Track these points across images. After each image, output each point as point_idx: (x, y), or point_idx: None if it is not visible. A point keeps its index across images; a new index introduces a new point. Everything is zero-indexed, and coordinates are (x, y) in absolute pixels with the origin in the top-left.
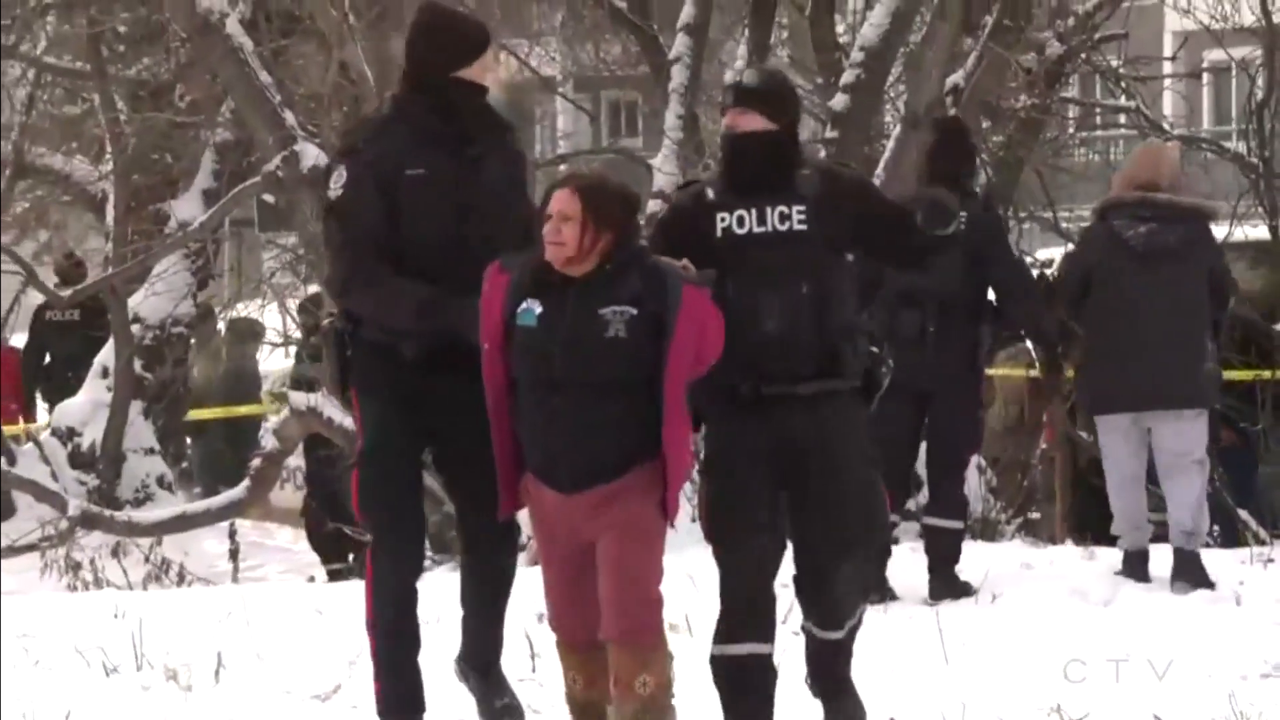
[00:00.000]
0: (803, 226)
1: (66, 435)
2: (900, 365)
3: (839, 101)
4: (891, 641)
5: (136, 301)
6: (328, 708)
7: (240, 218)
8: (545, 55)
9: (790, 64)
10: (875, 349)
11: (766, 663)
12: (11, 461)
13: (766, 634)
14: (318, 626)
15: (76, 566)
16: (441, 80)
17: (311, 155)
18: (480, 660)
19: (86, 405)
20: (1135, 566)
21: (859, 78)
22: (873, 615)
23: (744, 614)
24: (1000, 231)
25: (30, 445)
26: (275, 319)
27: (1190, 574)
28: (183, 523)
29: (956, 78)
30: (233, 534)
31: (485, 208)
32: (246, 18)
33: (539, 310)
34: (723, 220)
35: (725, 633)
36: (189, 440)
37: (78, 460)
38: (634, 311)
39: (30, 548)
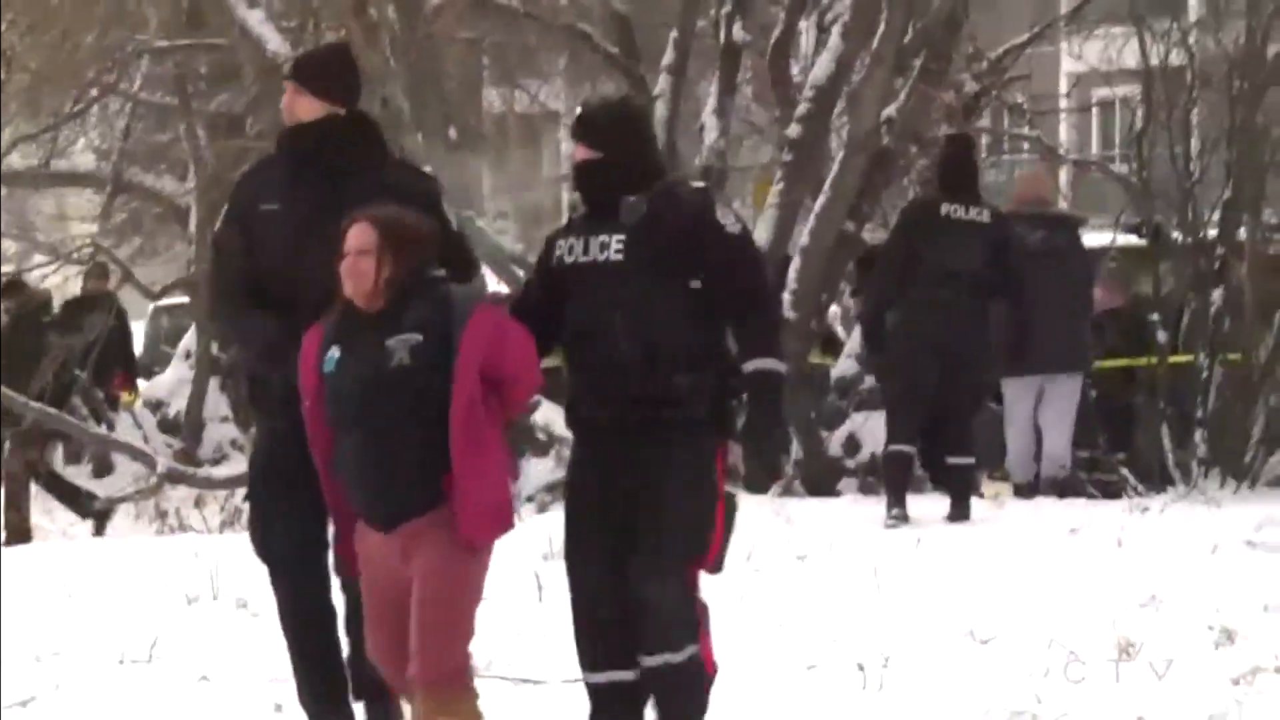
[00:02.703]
0: (619, 256)
1: (156, 406)
2: (933, 326)
3: (794, 130)
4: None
5: None
6: None
7: None
8: (551, 92)
9: (753, 99)
10: (733, 380)
11: (619, 690)
12: (111, 427)
13: (613, 662)
14: None
15: (164, 514)
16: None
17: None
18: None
19: (172, 381)
20: (1025, 493)
21: (809, 110)
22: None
23: (586, 643)
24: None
25: (126, 414)
26: None
27: (1061, 490)
28: None
29: (890, 110)
30: None
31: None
32: None
33: (338, 355)
34: (558, 249)
35: (581, 661)
36: None
37: (165, 427)
38: (419, 338)
39: (126, 499)
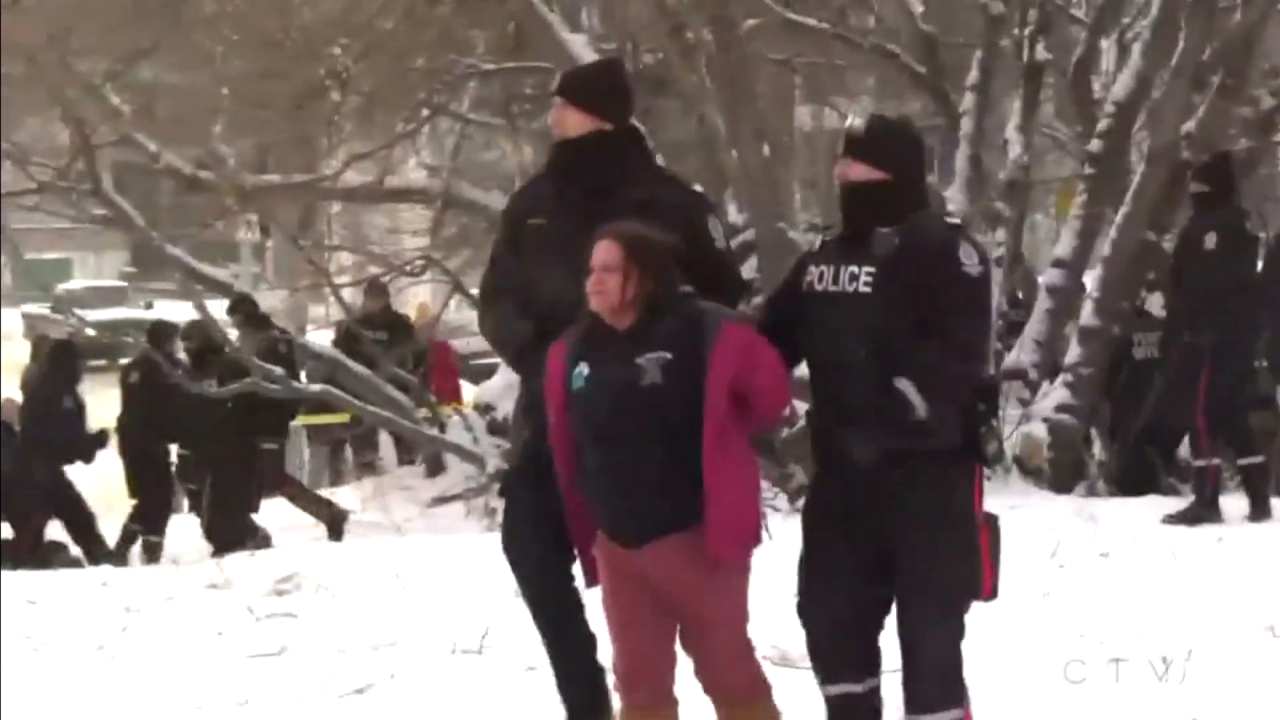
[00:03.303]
0: (868, 289)
1: (485, 409)
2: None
3: (1095, 145)
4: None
5: None
6: None
7: None
8: (861, 109)
9: (1054, 115)
10: (983, 406)
11: (857, 700)
12: (443, 430)
13: (847, 676)
14: None
15: (492, 512)
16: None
17: None
18: None
19: (501, 385)
20: None
21: (1110, 125)
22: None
23: (824, 658)
24: None
25: (457, 418)
26: None
27: None
28: None
29: (1189, 125)
30: None
31: None
32: None
33: (587, 371)
34: (809, 274)
35: (817, 674)
36: None
37: (494, 429)
38: (669, 356)
39: (456, 497)
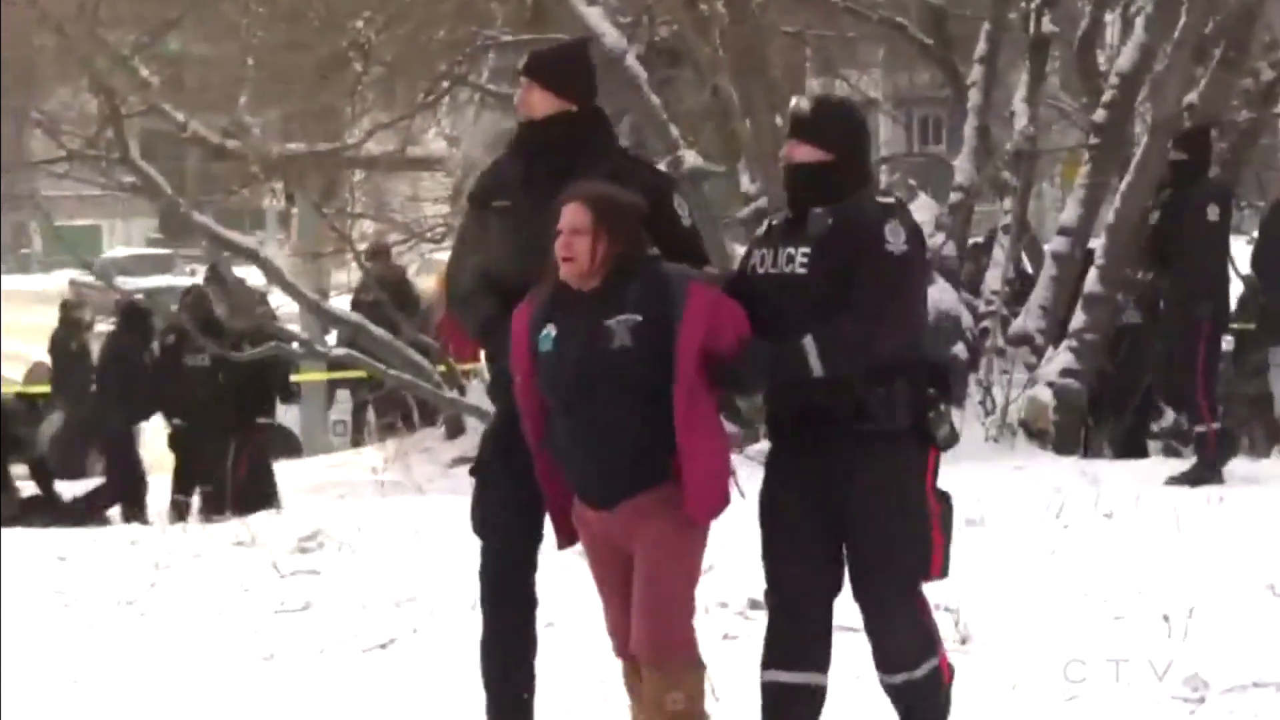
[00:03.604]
0: (803, 270)
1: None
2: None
3: (1100, 115)
4: None
5: None
6: None
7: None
8: (871, 81)
9: (1060, 86)
10: (933, 390)
11: (806, 692)
12: (463, 392)
13: (789, 662)
14: None
15: None
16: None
17: (690, 159)
18: None
19: None
20: None
21: (1115, 97)
22: None
23: (781, 644)
24: None
25: (476, 381)
26: None
27: None
28: None
29: (1191, 96)
30: None
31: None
32: (641, 54)
33: (554, 334)
34: (754, 257)
35: (769, 659)
36: None
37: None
38: (638, 318)
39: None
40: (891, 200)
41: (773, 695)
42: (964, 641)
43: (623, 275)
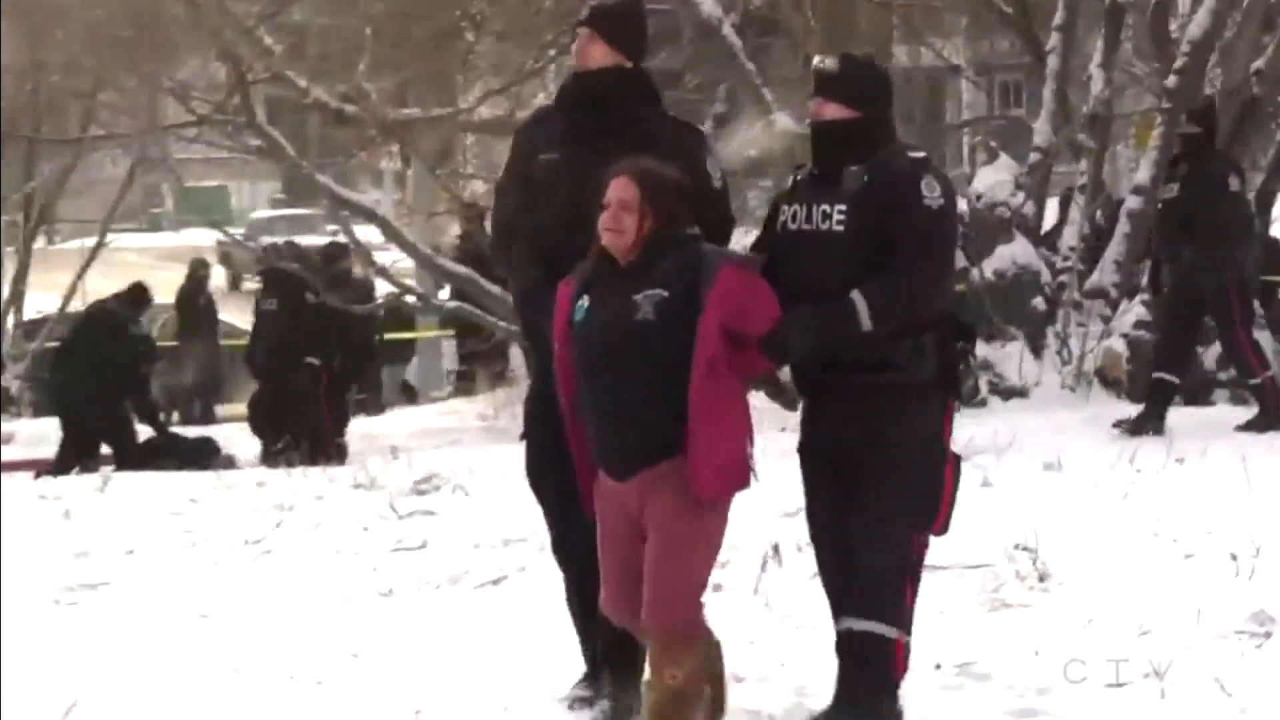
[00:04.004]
0: (840, 228)
1: None
2: None
3: (1171, 81)
4: None
5: None
6: None
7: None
8: (954, 48)
9: (1134, 53)
10: (961, 344)
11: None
12: None
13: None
14: None
15: None
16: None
17: (782, 122)
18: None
19: None
20: None
21: (1186, 63)
22: None
23: (831, 593)
24: None
25: None
26: None
27: None
28: None
29: (1259, 63)
30: None
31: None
32: (736, 23)
33: (587, 305)
34: (782, 214)
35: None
36: None
37: None
38: (664, 294)
39: None
40: (923, 155)
41: (844, 641)
42: (1042, 579)
43: (658, 251)
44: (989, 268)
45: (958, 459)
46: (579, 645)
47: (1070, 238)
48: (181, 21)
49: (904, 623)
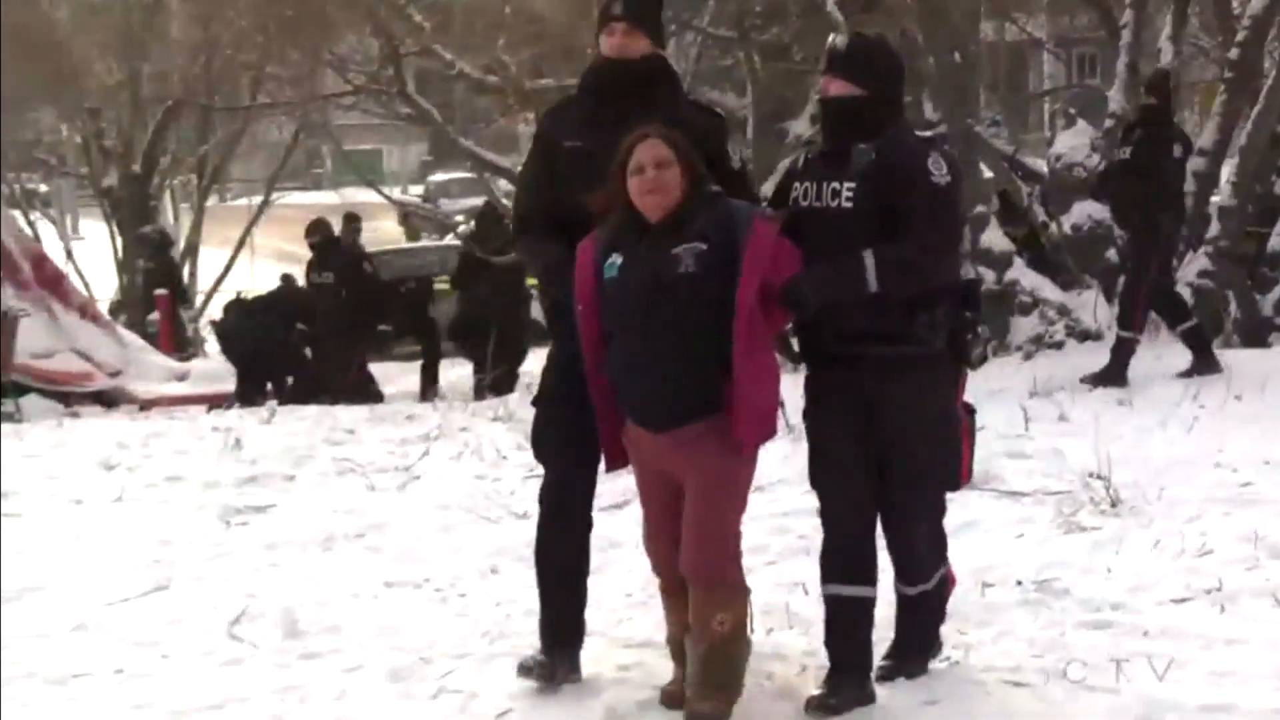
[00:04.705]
0: (849, 205)
1: None
2: None
3: (1234, 53)
4: None
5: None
6: None
7: None
8: (1037, 23)
9: (1200, 27)
10: (969, 314)
11: (860, 604)
12: None
13: (858, 578)
14: None
15: None
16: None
17: None
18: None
19: None
20: None
21: (1247, 37)
22: None
23: (835, 558)
24: None
25: None
26: None
27: None
28: None
29: None
30: None
31: None
32: (839, 1)
33: (620, 261)
34: (794, 191)
35: (826, 574)
36: None
37: None
38: (703, 246)
39: None
40: (930, 134)
41: (833, 606)
42: (1114, 504)
43: (692, 206)
44: (1067, 223)
45: (972, 412)
46: (539, 618)
47: None
48: (340, 1)
49: (943, 558)
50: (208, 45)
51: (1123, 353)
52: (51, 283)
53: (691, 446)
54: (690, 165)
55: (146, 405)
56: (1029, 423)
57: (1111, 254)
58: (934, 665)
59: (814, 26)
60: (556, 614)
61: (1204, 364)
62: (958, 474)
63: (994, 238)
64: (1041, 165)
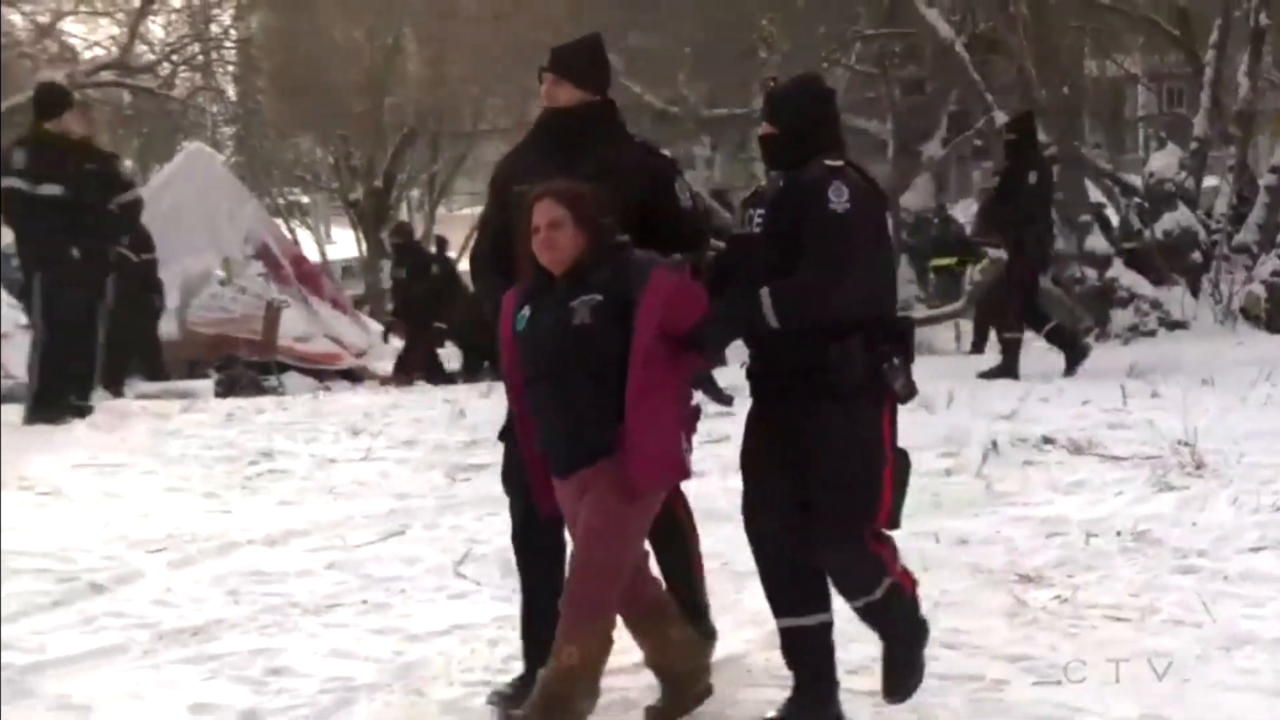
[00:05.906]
0: (758, 229)
1: None
2: None
3: None
4: None
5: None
6: None
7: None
8: (1133, 60)
9: (1273, 64)
10: (885, 347)
11: (807, 633)
12: None
13: (794, 609)
14: None
15: None
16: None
17: (999, 119)
18: None
19: None
20: None
21: None
22: None
23: (772, 590)
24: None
25: None
26: None
27: None
28: None
29: None
30: None
31: None
32: (965, 42)
33: (528, 314)
34: (744, 217)
35: (771, 605)
36: None
37: None
38: (599, 298)
39: None
40: (841, 164)
41: (791, 637)
42: (1198, 467)
43: (591, 261)
44: (1159, 229)
45: (902, 457)
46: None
47: (1221, 206)
48: (544, 44)
49: (882, 571)
50: (438, 81)
51: (1010, 351)
52: (308, 278)
53: (585, 488)
54: (588, 220)
55: (386, 381)
56: (1127, 399)
57: (1196, 256)
58: (1048, 603)
59: (945, 65)
60: (537, 637)
61: (1075, 356)
62: (874, 511)
63: (1096, 242)
64: (1137, 181)
